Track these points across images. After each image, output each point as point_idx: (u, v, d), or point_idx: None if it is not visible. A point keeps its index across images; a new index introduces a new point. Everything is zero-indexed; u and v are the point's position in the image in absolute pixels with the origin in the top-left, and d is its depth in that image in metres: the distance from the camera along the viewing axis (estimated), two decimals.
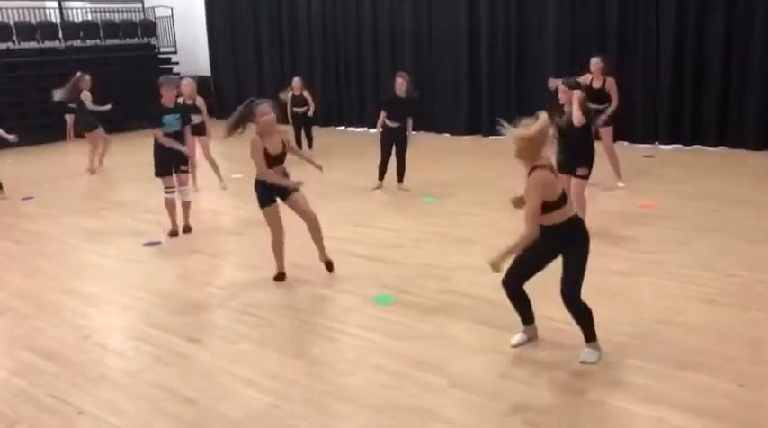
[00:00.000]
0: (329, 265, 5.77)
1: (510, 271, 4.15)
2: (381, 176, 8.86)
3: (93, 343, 4.69)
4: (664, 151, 10.95)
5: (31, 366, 4.35)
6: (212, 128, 9.27)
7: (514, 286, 4.18)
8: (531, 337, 4.35)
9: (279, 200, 5.53)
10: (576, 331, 4.17)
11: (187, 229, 7.26)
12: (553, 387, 3.82)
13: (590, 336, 4.09)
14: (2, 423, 3.71)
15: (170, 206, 7.13)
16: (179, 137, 6.97)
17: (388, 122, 8.54)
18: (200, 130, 9.22)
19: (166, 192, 7.08)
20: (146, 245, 6.95)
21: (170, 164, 7.01)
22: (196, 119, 9.18)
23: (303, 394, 3.86)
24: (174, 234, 7.18)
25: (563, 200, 3.91)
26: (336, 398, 3.81)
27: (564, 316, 4.45)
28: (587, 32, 11.75)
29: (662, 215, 7.14)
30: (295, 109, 11.11)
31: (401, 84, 8.46)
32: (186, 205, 7.25)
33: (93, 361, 4.41)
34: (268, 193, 5.46)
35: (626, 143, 11.44)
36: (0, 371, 4.30)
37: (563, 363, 4.07)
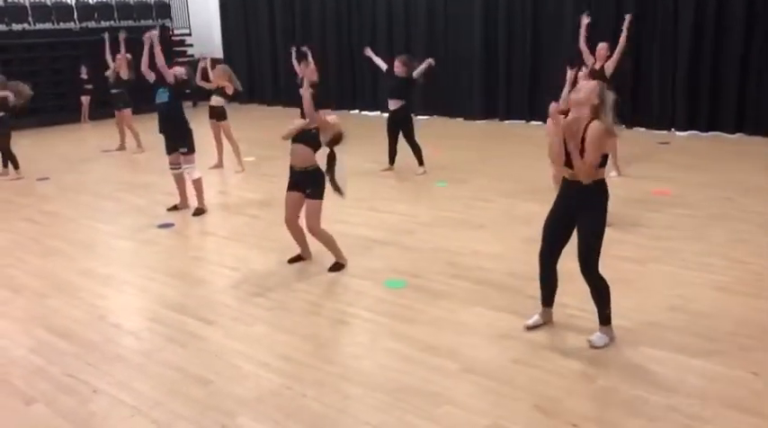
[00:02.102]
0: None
1: (543, 240, 4.18)
2: (390, 160, 8.95)
3: (108, 323, 4.75)
4: (680, 138, 10.85)
5: (48, 345, 4.41)
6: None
7: (550, 259, 4.18)
8: (546, 321, 4.35)
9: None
10: (590, 317, 4.17)
11: (197, 212, 7.31)
12: (565, 373, 3.82)
13: (604, 319, 4.08)
14: (20, 399, 3.77)
15: (177, 181, 7.41)
16: (169, 108, 7.09)
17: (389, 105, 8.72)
18: (219, 114, 9.34)
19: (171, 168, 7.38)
20: (160, 226, 7.00)
21: (169, 143, 7.24)
22: (217, 102, 9.28)
23: (315, 376, 3.89)
24: (174, 207, 7.45)
25: (606, 157, 3.98)
26: (348, 381, 3.83)
27: (578, 303, 4.46)
28: (604, 15, 11.61)
29: (676, 202, 7.09)
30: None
31: (397, 66, 8.59)
32: (195, 183, 7.29)
33: (108, 340, 4.46)
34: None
35: (642, 129, 11.35)
36: (18, 349, 4.37)
37: (575, 349, 4.07)
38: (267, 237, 6.42)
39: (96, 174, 9.76)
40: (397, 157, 8.94)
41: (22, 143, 12.19)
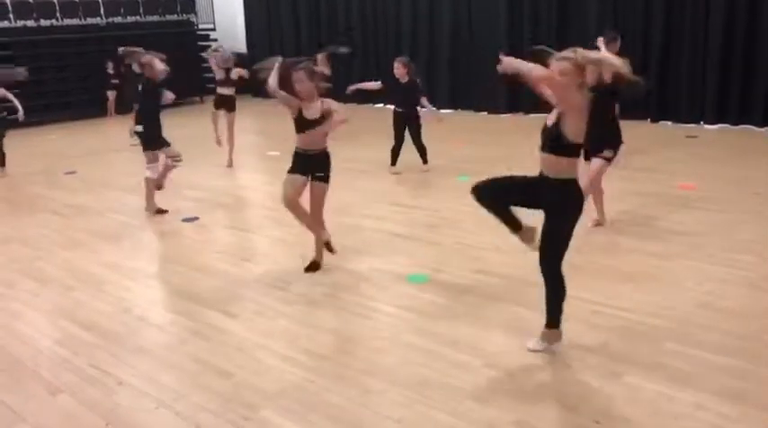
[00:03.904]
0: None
1: (489, 183, 4.00)
2: (393, 161, 8.67)
3: (132, 315, 4.80)
4: (709, 131, 10.67)
5: (74, 336, 4.47)
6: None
7: (488, 196, 4.00)
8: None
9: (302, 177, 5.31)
10: (614, 313, 4.12)
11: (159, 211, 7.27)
12: (589, 369, 3.78)
13: (551, 321, 3.93)
14: (45, 390, 3.82)
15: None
16: (150, 112, 7.06)
17: (395, 107, 8.56)
18: (227, 104, 9.10)
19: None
20: (184, 220, 7.05)
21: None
22: (228, 90, 9.15)
23: (337, 370, 3.89)
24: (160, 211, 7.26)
25: (579, 150, 3.71)
26: (369, 375, 3.83)
27: (600, 298, 4.41)
28: (632, 9, 11.47)
29: (703, 197, 6.97)
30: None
31: (398, 69, 8.37)
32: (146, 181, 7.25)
33: (132, 333, 4.51)
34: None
35: (669, 123, 11.19)
36: (44, 341, 4.43)
37: (599, 345, 4.02)
38: (290, 232, 6.43)
39: (122, 168, 9.85)
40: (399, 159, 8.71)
41: (50, 137, 12.40)
